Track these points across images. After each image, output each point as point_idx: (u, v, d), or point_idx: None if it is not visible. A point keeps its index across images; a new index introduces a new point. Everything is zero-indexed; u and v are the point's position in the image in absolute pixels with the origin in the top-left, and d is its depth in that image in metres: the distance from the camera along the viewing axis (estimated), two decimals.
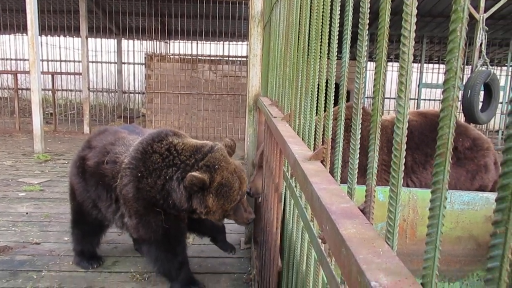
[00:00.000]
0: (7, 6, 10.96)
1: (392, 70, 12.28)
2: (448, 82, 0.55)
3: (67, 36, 12.54)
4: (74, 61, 13.15)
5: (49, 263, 3.41)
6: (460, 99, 0.54)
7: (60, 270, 3.31)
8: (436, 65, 12.86)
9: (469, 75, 7.66)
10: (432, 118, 3.27)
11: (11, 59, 13.20)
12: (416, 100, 11.07)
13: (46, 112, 11.63)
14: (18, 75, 10.01)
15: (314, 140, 1.35)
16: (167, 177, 2.68)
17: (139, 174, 2.72)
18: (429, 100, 12.68)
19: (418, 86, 10.93)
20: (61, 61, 13.06)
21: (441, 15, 9.78)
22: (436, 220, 0.58)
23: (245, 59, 10.19)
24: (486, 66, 7.30)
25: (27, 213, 4.51)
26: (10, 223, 4.21)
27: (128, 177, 2.75)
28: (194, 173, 2.54)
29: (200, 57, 10.48)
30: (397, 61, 11.37)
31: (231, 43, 11.73)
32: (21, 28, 11.24)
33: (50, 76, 10.37)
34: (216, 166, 2.64)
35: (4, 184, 5.58)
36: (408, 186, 3.20)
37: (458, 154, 3.10)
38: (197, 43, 11.18)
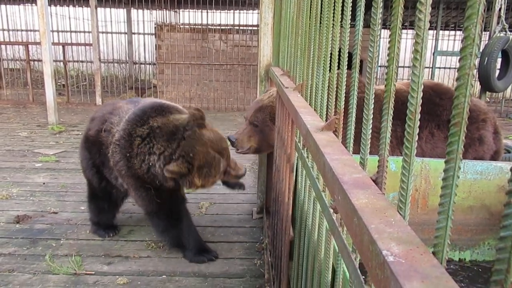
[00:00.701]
0: None
1: (406, 38, 11.99)
2: (465, 50, 0.54)
3: (76, 6, 12.42)
4: (84, 32, 13.08)
5: (67, 231, 3.52)
6: (476, 66, 0.52)
7: (78, 238, 3.41)
8: (452, 32, 12.50)
9: (486, 42, 7.46)
10: (424, 89, 3.16)
11: (22, 30, 13.18)
12: (431, 69, 10.85)
13: (58, 83, 11.68)
14: (29, 46, 10.01)
15: (327, 111, 1.34)
16: (149, 164, 2.83)
17: (128, 154, 2.88)
18: (444, 68, 12.40)
19: (433, 54, 10.68)
20: (71, 31, 13.00)
21: None
22: (449, 190, 0.58)
23: (256, 28, 10.02)
24: (504, 32, 7.08)
25: (44, 183, 4.61)
26: (28, 193, 4.32)
27: (118, 155, 2.93)
28: (170, 168, 2.71)
29: (210, 27, 10.33)
30: (412, 28, 11.08)
31: (241, 11, 11.52)
32: None
33: (61, 47, 10.36)
34: (191, 154, 2.75)
35: (21, 154, 5.69)
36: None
37: None
38: (207, 12, 11.00)
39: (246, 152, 3.24)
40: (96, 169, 3.27)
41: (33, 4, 11.77)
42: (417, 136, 0.68)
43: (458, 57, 0.56)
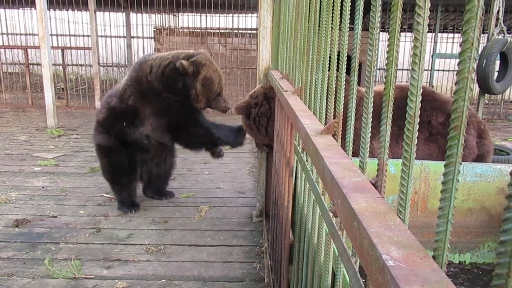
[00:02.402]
0: None
1: (405, 41, 12.01)
2: (464, 54, 0.54)
3: (75, 10, 12.42)
4: (83, 36, 13.08)
5: (66, 235, 3.51)
6: (475, 69, 0.52)
7: (77, 242, 3.40)
8: (451, 35, 12.53)
9: (484, 44, 7.48)
10: (406, 92, 3.12)
11: (21, 34, 13.18)
12: (429, 71, 10.87)
13: (58, 87, 11.68)
14: (29, 50, 10.02)
15: (326, 114, 1.34)
16: (164, 65, 3.49)
17: (140, 80, 3.57)
18: (443, 70, 12.42)
19: (432, 56, 10.70)
20: (70, 35, 13.00)
21: None
22: (449, 193, 0.58)
23: (255, 31, 10.04)
24: (503, 35, 7.09)
25: (43, 187, 4.60)
26: (27, 197, 4.31)
27: (130, 88, 3.61)
28: (183, 62, 3.38)
29: (209, 30, 10.35)
30: (411, 31, 11.10)
31: (240, 15, 11.53)
32: (29, 2, 11.16)
33: (60, 51, 10.36)
34: (202, 62, 3.47)
35: (20, 158, 5.68)
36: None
37: (431, 129, 2.97)
38: (206, 15, 11.02)
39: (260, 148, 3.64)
40: (118, 139, 3.78)
41: (32, 8, 11.77)
42: (416, 140, 0.68)
43: (457, 60, 0.57)
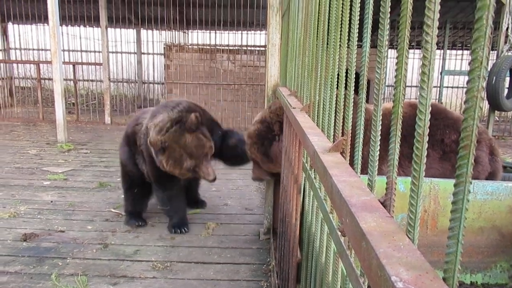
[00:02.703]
0: None
1: (413, 58, 12.03)
2: (473, 73, 0.54)
3: (87, 26, 12.66)
4: (94, 52, 13.30)
5: (73, 250, 3.50)
6: (484, 86, 0.52)
7: (84, 257, 3.39)
8: (460, 51, 12.53)
9: (494, 61, 7.45)
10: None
11: (33, 49, 13.43)
12: (438, 88, 10.84)
13: (68, 102, 11.83)
14: (41, 65, 10.19)
15: (334, 132, 1.34)
16: (147, 135, 3.72)
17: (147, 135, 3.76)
18: (452, 87, 12.39)
19: (441, 73, 10.69)
20: (81, 51, 13.22)
21: None
22: (459, 214, 0.57)
23: (263, 48, 10.12)
24: None
25: (51, 202, 4.62)
26: (35, 211, 4.33)
27: (143, 139, 3.84)
28: (151, 139, 3.55)
29: (218, 47, 10.46)
30: (419, 48, 11.11)
31: (249, 32, 11.66)
32: (42, 18, 11.40)
33: (71, 66, 10.53)
34: (166, 143, 3.53)
35: (30, 172, 5.73)
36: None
37: (444, 147, 2.95)
38: (215, 32, 11.16)
39: (266, 177, 3.49)
40: (133, 160, 4.10)
41: (45, 24, 12.02)
42: (425, 159, 0.67)
43: (466, 77, 0.56)
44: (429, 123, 0.80)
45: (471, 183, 0.56)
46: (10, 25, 12.95)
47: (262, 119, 3.12)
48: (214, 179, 3.78)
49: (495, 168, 3.07)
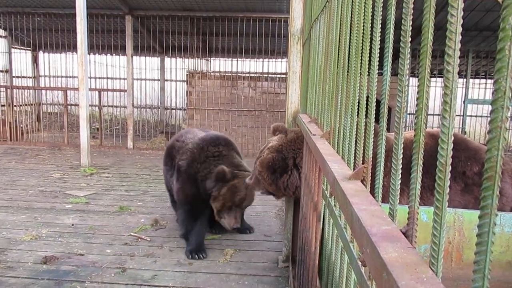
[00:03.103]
0: (59, 27, 11.64)
1: (435, 86, 11.94)
2: (497, 103, 0.53)
3: (114, 54, 13.08)
4: (119, 78, 13.69)
5: (92, 274, 3.51)
6: (508, 116, 0.51)
7: (102, 281, 3.39)
8: (483, 80, 12.37)
9: None
10: (437, 140, 2.95)
11: (62, 76, 13.92)
12: (461, 117, 10.68)
13: (93, 127, 12.12)
14: (68, 91, 10.53)
15: (354, 159, 1.33)
16: (207, 173, 4.03)
17: (195, 157, 4.13)
18: (476, 116, 12.19)
19: (464, 102, 10.55)
20: (107, 78, 13.63)
21: (488, 28, 9.45)
22: (485, 247, 0.55)
23: (284, 76, 10.23)
24: None
25: (72, 225, 4.68)
26: (57, 234, 4.38)
27: (186, 155, 4.18)
28: (214, 193, 3.97)
29: (240, 74, 10.63)
30: (441, 77, 11.03)
31: (270, 60, 11.83)
32: (72, 47, 11.86)
33: (97, 92, 10.84)
34: (223, 190, 3.94)
35: (53, 196, 5.83)
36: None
37: (466, 180, 2.86)
38: (237, 60, 11.36)
39: (263, 192, 3.44)
40: (168, 173, 4.57)
41: (74, 53, 12.49)
42: (448, 188, 0.66)
43: (490, 107, 0.56)
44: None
45: (497, 215, 0.55)
46: (40, 54, 13.52)
47: (278, 149, 3.11)
48: (229, 229, 4.21)
49: None
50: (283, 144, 3.10)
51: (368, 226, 0.82)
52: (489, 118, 0.56)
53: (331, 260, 1.58)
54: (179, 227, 4.21)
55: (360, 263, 1.03)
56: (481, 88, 12.38)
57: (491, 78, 11.89)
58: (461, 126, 10.66)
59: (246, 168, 4.16)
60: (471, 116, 11.87)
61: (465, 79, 10.50)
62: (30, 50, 13.29)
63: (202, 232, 4.14)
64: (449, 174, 0.67)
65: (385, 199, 1.11)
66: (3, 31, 12.36)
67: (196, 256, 3.93)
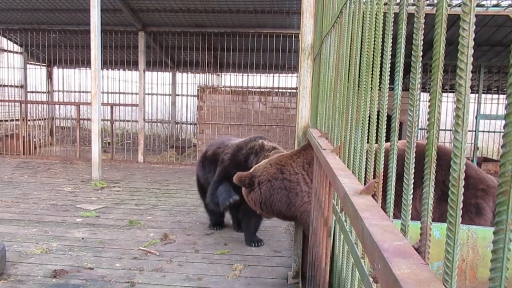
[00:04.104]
0: (74, 43, 11.87)
1: (447, 101, 11.86)
2: (510, 117, 0.52)
3: (126, 69, 13.28)
4: (131, 93, 13.86)
5: None
6: None
7: None
8: (495, 95, 12.27)
9: None
10: (420, 148, 2.95)
11: (75, 91, 14.15)
12: (474, 132, 10.57)
13: (104, 141, 12.24)
14: (81, 106, 10.68)
15: (365, 174, 1.32)
16: (253, 151, 4.52)
17: (241, 147, 4.66)
18: (488, 132, 12.05)
19: (476, 117, 10.45)
20: (119, 93, 13.80)
21: (500, 44, 9.40)
22: (500, 263, 0.54)
23: (294, 90, 10.27)
24: None
25: (82, 238, 4.69)
26: (66, 247, 4.39)
27: (232, 149, 4.71)
28: (263, 141, 4.58)
29: (250, 89, 10.69)
30: (452, 92, 10.97)
31: (281, 75, 11.90)
32: (85, 62, 12.08)
33: (109, 107, 10.98)
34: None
35: (64, 209, 5.87)
36: (396, 217, 2.99)
37: (445, 189, 2.83)
38: (247, 75, 11.45)
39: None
40: (206, 179, 4.97)
41: (87, 68, 12.70)
42: (461, 204, 0.65)
43: (503, 122, 0.55)
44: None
45: (511, 231, 0.54)
46: (55, 69, 13.78)
47: (255, 168, 3.46)
48: None
49: None
50: (257, 166, 3.44)
51: (380, 241, 0.81)
52: (502, 133, 0.55)
53: (342, 276, 1.56)
54: (208, 198, 4.73)
55: (371, 280, 1.01)
56: (494, 104, 12.27)
57: (503, 93, 11.79)
58: (473, 141, 10.54)
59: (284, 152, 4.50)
60: (483, 131, 11.74)
61: (477, 94, 10.41)
62: (45, 65, 13.55)
63: (230, 191, 4.41)
64: (462, 189, 0.66)
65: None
66: (19, 47, 12.65)
67: (226, 202, 4.34)
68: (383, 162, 1.17)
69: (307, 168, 3.05)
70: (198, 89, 10.81)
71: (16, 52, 12.69)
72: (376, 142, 1.19)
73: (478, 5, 5.88)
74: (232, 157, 4.61)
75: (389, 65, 1.13)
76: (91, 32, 7.57)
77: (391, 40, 1.11)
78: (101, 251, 4.33)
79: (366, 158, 1.31)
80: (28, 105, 11.42)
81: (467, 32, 0.63)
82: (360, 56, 1.45)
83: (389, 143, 1.09)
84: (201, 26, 10.59)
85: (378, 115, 1.22)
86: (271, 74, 11.78)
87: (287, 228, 5.40)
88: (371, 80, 1.28)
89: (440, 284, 0.65)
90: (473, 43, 0.64)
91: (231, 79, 12.96)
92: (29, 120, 11.20)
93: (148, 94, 13.17)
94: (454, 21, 6.65)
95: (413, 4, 0.98)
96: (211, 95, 10.41)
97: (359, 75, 1.46)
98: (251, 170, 3.47)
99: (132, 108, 12.36)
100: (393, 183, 1.02)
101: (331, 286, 1.87)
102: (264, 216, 3.62)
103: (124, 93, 13.95)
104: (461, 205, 0.65)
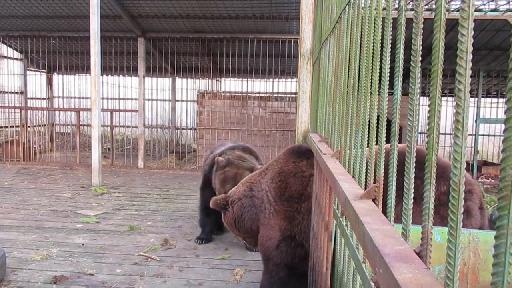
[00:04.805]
0: (74, 49, 11.90)
1: (446, 105, 11.88)
2: (510, 121, 0.53)
3: (126, 75, 13.30)
4: (131, 99, 13.88)
5: None
6: None
7: None
8: (495, 99, 12.29)
9: None
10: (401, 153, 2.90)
11: (75, 97, 14.17)
12: (474, 136, 10.58)
13: (104, 147, 12.24)
14: (80, 112, 10.69)
15: (366, 178, 1.32)
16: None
17: (207, 169, 4.86)
18: (488, 135, 12.07)
19: (476, 121, 10.47)
20: (119, 99, 13.82)
21: (498, 48, 9.44)
22: (502, 268, 0.54)
23: (294, 95, 10.28)
24: None
25: (83, 244, 4.68)
26: (67, 253, 4.38)
27: (208, 161, 4.85)
28: (219, 157, 4.59)
29: (250, 94, 10.71)
30: (451, 96, 10.98)
31: (280, 80, 11.92)
32: (85, 68, 12.10)
33: (109, 112, 10.99)
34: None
35: (64, 215, 5.86)
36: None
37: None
38: (247, 80, 11.47)
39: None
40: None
41: (87, 74, 12.73)
42: (462, 208, 0.65)
43: (503, 125, 0.55)
44: (414, 174, 0.78)
45: None
46: (54, 76, 13.81)
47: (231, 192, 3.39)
48: None
49: (484, 223, 2.91)
50: (233, 188, 3.40)
51: (381, 246, 0.81)
52: (502, 137, 0.56)
53: (343, 281, 1.55)
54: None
55: (373, 284, 1.01)
56: (493, 107, 12.29)
57: (502, 97, 11.81)
58: (473, 145, 10.55)
59: (250, 163, 4.48)
60: (483, 135, 11.76)
61: (476, 98, 10.44)
62: (44, 72, 13.58)
63: (210, 225, 4.92)
64: (463, 193, 0.66)
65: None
66: (19, 54, 12.68)
67: (198, 241, 4.82)
68: (383, 166, 1.17)
69: (269, 183, 2.98)
70: (197, 95, 10.82)
71: (16, 59, 12.72)
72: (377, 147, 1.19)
73: (477, 10, 5.91)
74: (204, 177, 4.90)
75: (388, 69, 1.14)
76: (91, 38, 7.59)
77: (390, 45, 1.12)
78: (102, 257, 4.32)
79: (367, 163, 1.31)
80: (28, 111, 11.43)
81: (465, 37, 0.64)
82: (360, 61, 1.46)
83: (389, 144, 1.09)
84: (201, 31, 10.62)
85: (377, 119, 1.22)
86: (271, 79, 11.81)
87: None
88: (371, 85, 1.29)
89: None
90: (472, 47, 0.65)
91: (230, 85, 12.99)
92: (29, 126, 11.21)
93: (148, 99, 13.18)
94: (452, 26, 6.67)
95: (411, 9, 0.99)
96: (211, 100, 10.43)
97: (359, 79, 1.47)
98: (227, 193, 3.44)
99: (132, 114, 12.37)
100: (394, 188, 1.02)
101: None
102: (242, 237, 3.51)
103: (124, 99, 13.97)
104: (462, 209, 0.65)
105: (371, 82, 1.28)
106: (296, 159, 2.95)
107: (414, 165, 0.89)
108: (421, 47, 0.85)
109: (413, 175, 0.88)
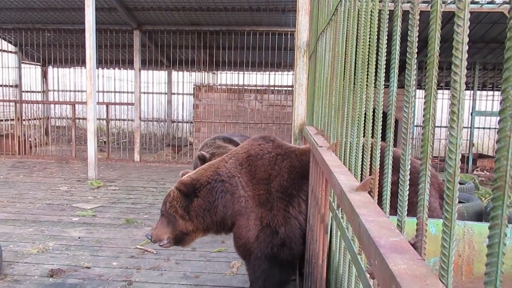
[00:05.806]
0: (69, 42, 11.81)
1: (442, 98, 11.90)
2: (505, 112, 0.53)
3: (122, 68, 13.23)
4: (127, 92, 13.81)
5: (98, 287, 3.50)
6: None
7: None
8: (490, 92, 12.32)
9: None
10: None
11: (70, 91, 14.09)
12: (469, 129, 10.62)
13: (100, 140, 12.20)
14: (76, 105, 10.64)
15: (361, 170, 1.32)
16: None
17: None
18: (484, 128, 12.11)
19: (471, 114, 10.50)
20: (115, 92, 13.76)
21: (495, 40, 9.44)
22: (495, 258, 0.54)
23: (290, 88, 10.28)
24: None
25: (79, 238, 4.68)
26: (63, 247, 4.38)
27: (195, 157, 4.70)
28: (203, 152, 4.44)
29: (246, 87, 10.69)
30: (448, 89, 11.01)
31: (276, 73, 11.90)
32: (80, 61, 12.03)
33: (104, 106, 10.94)
34: None
35: (60, 209, 5.85)
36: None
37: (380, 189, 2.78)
38: (243, 73, 11.44)
39: (167, 245, 3.10)
40: None
41: (82, 67, 12.65)
42: (457, 199, 0.65)
43: (498, 118, 0.55)
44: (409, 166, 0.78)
45: (507, 226, 0.54)
46: (49, 69, 13.71)
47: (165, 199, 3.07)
48: None
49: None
50: (192, 174, 3.11)
51: (376, 237, 0.82)
52: (497, 129, 0.56)
53: (339, 272, 1.56)
54: None
55: (368, 276, 1.02)
56: (489, 100, 12.33)
57: (498, 90, 11.84)
58: (468, 138, 10.59)
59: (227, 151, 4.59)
60: (478, 128, 11.80)
61: (472, 91, 10.46)
62: (39, 65, 13.48)
63: None
64: (458, 184, 0.67)
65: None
66: (14, 47, 12.58)
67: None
68: (379, 158, 1.18)
69: (239, 169, 2.86)
70: (194, 88, 10.80)
71: (11, 52, 12.62)
72: (372, 139, 1.20)
73: (473, 2, 5.91)
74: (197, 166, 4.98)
75: (385, 62, 1.13)
76: (86, 31, 7.54)
77: (386, 38, 1.12)
78: (98, 250, 4.33)
79: (362, 155, 1.31)
80: (23, 104, 11.37)
81: (461, 29, 0.64)
82: (356, 54, 1.45)
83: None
84: (197, 24, 10.56)
85: (374, 112, 1.22)
86: (267, 72, 11.78)
87: None
88: (367, 78, 1.29)
89: (437, 279, 0.66)
90: (468, 40, 0.65)
91: (227, 77, 12.95)
92: (24, 120, 11.15)
93: (144, 93, 13.14)
94: (449, 18, 6.67)
95: (408, 1, 0.98)
96: (207, 93, 10.40)
97: (355, 72, 1.47)
98: (188, 178, 3.06)
99: (128, 107, 12.32)
100: (389, 180, 1.03)
101: (328, 283, 1.88)
102: (213, 232, 3.11)
103: (119, 92, 13.91)
104: (457, 201, 0.66)
105: (367, 75, 1.28)
106: (261, 142, 2.94)
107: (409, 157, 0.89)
108: (417, 40, 0.85)
109: (409, 167, 0.88)
